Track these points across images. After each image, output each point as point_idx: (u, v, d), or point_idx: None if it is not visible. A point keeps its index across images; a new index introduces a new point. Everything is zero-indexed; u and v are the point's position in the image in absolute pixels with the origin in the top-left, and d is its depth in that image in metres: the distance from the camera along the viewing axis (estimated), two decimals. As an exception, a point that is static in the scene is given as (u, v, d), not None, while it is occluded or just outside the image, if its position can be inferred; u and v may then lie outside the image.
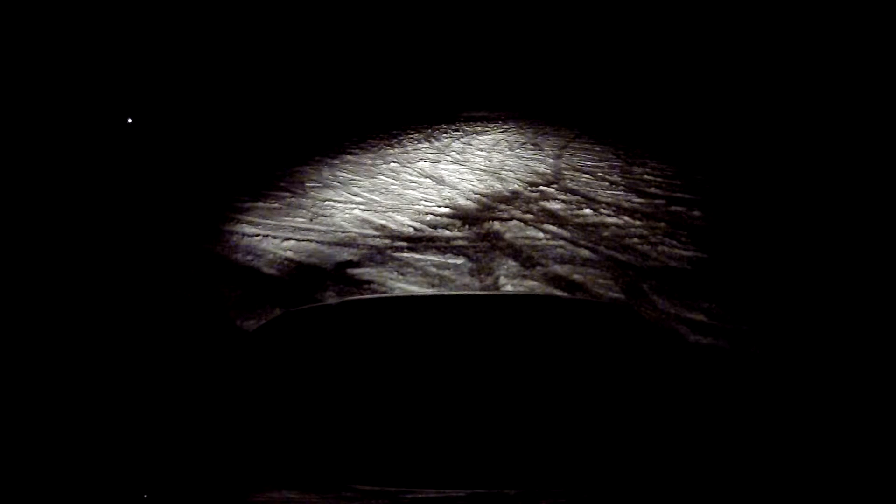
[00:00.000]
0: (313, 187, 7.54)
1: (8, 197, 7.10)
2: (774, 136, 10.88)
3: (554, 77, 19.64)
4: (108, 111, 12.81)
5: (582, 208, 6.36)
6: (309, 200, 6.89)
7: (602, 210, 6.30)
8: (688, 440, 1.30)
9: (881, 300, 3.95)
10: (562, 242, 5.26)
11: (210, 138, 11.91)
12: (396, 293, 4.15)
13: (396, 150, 10.16)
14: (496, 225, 5.77)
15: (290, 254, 5.12)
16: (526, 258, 4.88)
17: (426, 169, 8.51)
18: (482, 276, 4.57)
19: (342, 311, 1.97)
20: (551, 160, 9.15)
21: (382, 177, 8.06)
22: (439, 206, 6.51)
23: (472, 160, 9.15)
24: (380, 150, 10.19)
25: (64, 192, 7.46)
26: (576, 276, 4.50)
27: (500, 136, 11.69)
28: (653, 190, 7.24)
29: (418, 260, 4.88)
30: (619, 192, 7.10)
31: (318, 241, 5.42)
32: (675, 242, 5.27)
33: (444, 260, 4.87)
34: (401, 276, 4.55)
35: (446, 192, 7.14)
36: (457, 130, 12.43)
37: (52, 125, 11.47)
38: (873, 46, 13.17)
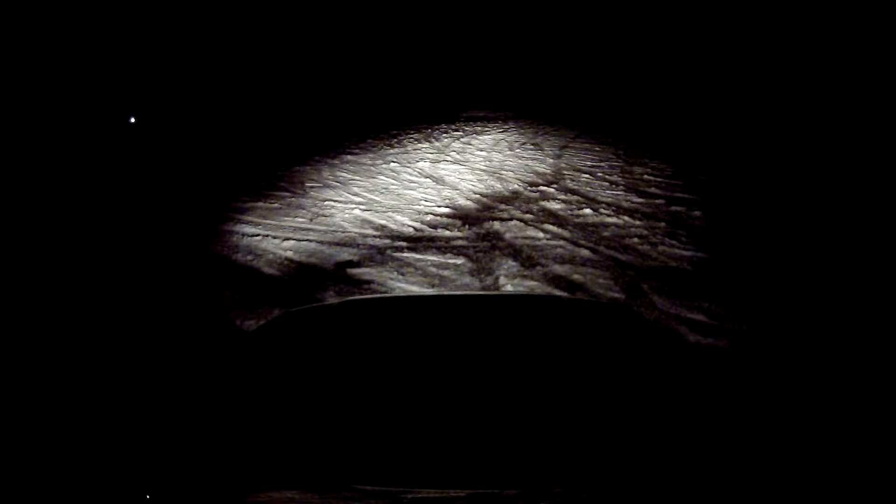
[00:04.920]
0: (313, 187, 7.54)
1: (8, 196, 7.10)
2: (774, 137, 10.88)
3: (554, 77, 19.64)
4: (110, 111, 12.81)
5: (582, 208, 6.36)
6: (309, 200, 6.89)
7: (602, 210, 6.30)
8: (688, 440, 1.30)
9: (881, 300, 3.95)
10: (562, 242, 5.26)
11: (210, 138, 11.91)
12: (396, 293, 4.15)
13: (396, 150, 10.16)
14: (496, 225, 5.77)
15: (290, 254, 5.12)
16: (526, 258, 4.88)
17: (426, 169, 8.51)
18: (482, 276, 4.57)
19: (342, 311, 1.97)
20: (551, 160, 9.15)
21: (382, 177, 8.06)
22: (439, 206, 6.51)
23: (472, 160, 9.15)
24: (380, 150, 10.19)
25: (65, 191, 7.46)
26: (576, 276, 4.50)
27: (500, 136, 11.68)
28: (653, 190, 7.24)
29: (418, 260, 4.88)
30: (619, 192, 7.10)
31: (318, 241, 5.42)
32: (675, 242, 5.27)
33: (444, 260, 4.87)
34: (401, 276, 4.55)
35: (446, 192, 7.14)
36: (457, 130, 12.43)
37: (54, 125, 11.47)
38: (873, 46, 13.17)
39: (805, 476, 1.23)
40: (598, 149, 10.17)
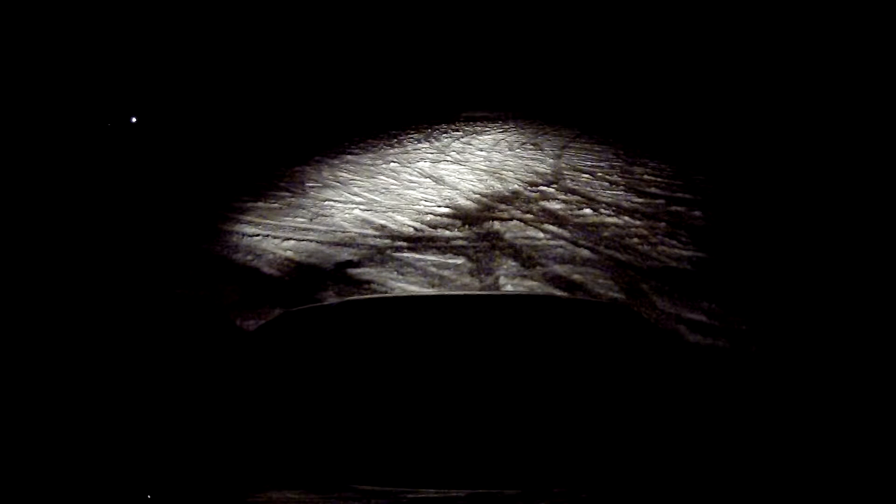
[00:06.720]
0: (313, 187, 7.54)
1: (8, 196, 7.10)
2: (775, 137, 10.88)
3: (554, 77, 19.64)
4: (111, 110, 12.81)
5: (582, 208, 6.36)
6: (309, 200, 6.89)
7: (602, 210, 6.30)
8: (688, 440, 1.30)
9: (881, 300, 3.95)
10: (562, 242, 5.26)
11: (210, 138, 11.91)
12: (396, 293, 4.15)
13: (396, 150, 10.16)
14: (496, 225, 5.77)
15: (290, 254, 5.12)
16: (526, 258, 4.88)
17: (426, 169, 8.51)
18: (482, 276, 4.57)
19: (342, 311, 1.97)
20: (551, 160, 9.15)
21: (382, 177, 8.06)
22: (439, 206, 6.51)
23: (472, 160, 9.15)
24: (380, 150, 10.19)
25: (66, 190, 7.46)
26: (576, 276, 4.50)
27: (500, 136, 11.68)
28: (653, 190, 7.24)
29: (418, 260, 4.88)
30: (619, 192, 7.10)
31: (318, 241, 5.42)
32: (675, 242, 5.27)
33: (444, 260, 4.87)
34: (401, 276, 4.55)
35: (446, 192, 7.14)
36: (457, 130, 12.43)
37: (56, 124, 11.47)
38: (873, 46, 13.16)
39: (805, 476, 1.23)
40: (598, 149, 10.17)
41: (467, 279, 4.52)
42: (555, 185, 7.47)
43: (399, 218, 6.08)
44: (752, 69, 15.60)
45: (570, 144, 10.65)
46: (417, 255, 4.98)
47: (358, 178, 8.05)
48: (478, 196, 6.96)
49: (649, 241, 5.29)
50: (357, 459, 1.24)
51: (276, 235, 5.58)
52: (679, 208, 6.39)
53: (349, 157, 9.58)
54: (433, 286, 4.37)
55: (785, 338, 3.53)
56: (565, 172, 8.26)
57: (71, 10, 13.31)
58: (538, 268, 4.68)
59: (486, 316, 1.81)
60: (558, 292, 4.21)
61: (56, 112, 11.90)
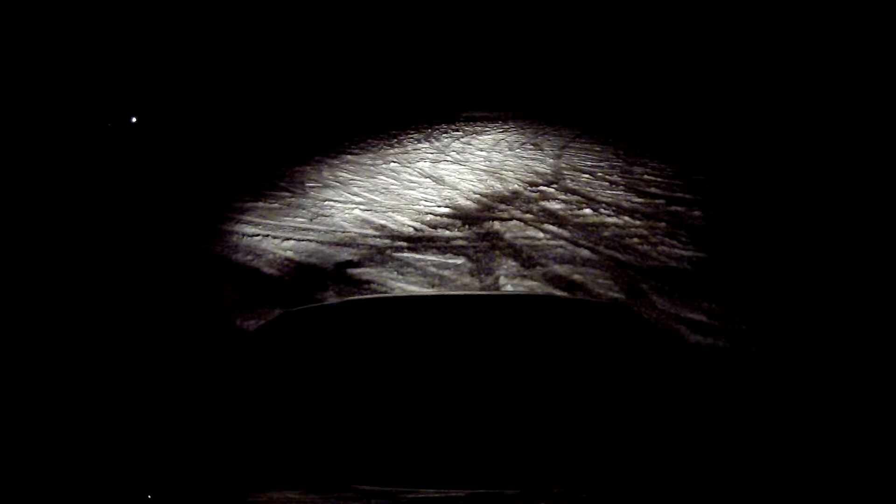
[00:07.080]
0: (313, 187, 7.54)
1: (8, 196, 7.10)
2: (775, 137, 10.88)
3: (554, 77, 19.63)
4: (111, 110, 12.81)
5: (582, 208, 6.36)
6: (309, 200, 6.89)
7: (602, 210, 6.30)
8: (688, 440, 1.30)
9: (881, 300, 3.95)
10: (562, 242, 5.26)
11: (210, 138, 11.91)
12: (396, 293, 4.15)
13: (396, 150, 10.16)
14: (496, 225, 5.77)
15: (290, 254, 5.12)
16: (526, 258, 4.88)
17: (426, 169, 8.51)
18: (482, 276, 4.57)
19: (342, 311, 1.97)
20: (551, 160, 9.15)
21: (382, 177, 8.06)
22: (439, 206, 6.51)
23: (472, 160, 9.15)
24: (380, 150, 10.19)
25: (66, 191, 7.46)
26: (576, 276, 4.50)
27: (500, 136, 11.68)
28: (653, 190, 7.24)
29: (418, 260, 4.88)
30: (619, 192, 7.10)
31: (318, 241, 5.42)
32: (675, 242, 5.27)
33: (444, 260, 4.87)
34: (401, 276, 4.55)
35: (446, 192, 7.14)
36: (457, 130, 12.42)
37: (56, 124, 11.47)
38: (873, 46, 13.16)
39: (805, 476, 1.23)
40: (598, 149, 10.17)
41: (467, 279, 4.52)
42: (555, 185, 7.47)
43: (399, 218, 6.08)
44: (752, 69, 15.60)
45: (570, 144, 10.65)
46: (417, 255, 4.98)
47: (358, 178, 8.05)
48: (478, 196, 6.96)
49: (649, 241, 5.29)
50: (357, 459, 1.24)
51: (276, 235, 5.58)
52: (679, 208, 6.39)
53: (349, 157, 9.58)
54: (433, 286, 4.37)
55: (785, 338, 3.53)
56: (565, 172, 8.26)
57: (71, 10, 13.31)
58: (538, 268, 4.68)
59: (486, 316, 1.81)
60: (558, 292, 4.21)
61: (56, 112, 11.89)
